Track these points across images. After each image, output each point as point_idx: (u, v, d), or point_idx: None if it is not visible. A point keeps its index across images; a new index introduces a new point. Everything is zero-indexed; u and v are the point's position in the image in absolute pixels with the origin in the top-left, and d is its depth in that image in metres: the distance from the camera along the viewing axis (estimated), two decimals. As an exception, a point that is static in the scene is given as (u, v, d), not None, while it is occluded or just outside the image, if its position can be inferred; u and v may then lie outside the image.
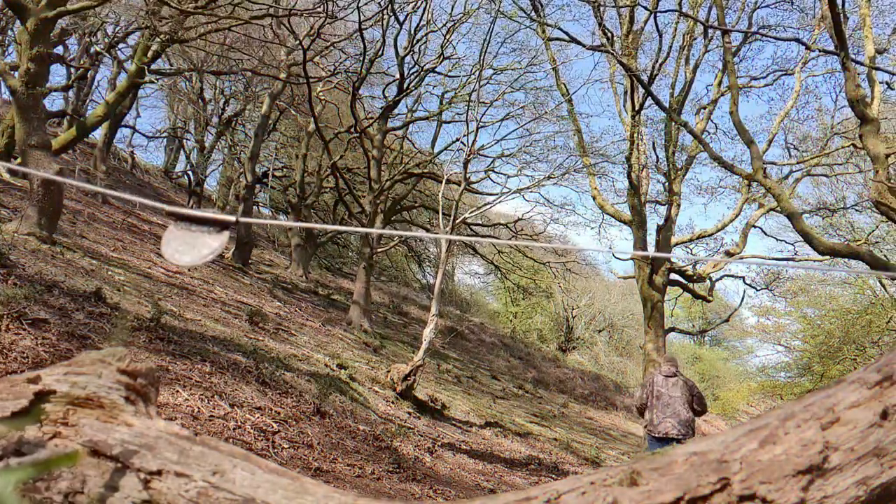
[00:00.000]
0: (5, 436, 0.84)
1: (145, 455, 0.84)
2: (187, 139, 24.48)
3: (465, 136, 12.05)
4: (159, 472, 0.82)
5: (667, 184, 14.68)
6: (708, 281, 16.07)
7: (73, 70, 17.52)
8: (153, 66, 11.95)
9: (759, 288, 18.59)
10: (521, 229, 19.14)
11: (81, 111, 18.10)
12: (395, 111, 15.85)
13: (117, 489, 0.82)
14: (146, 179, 23.03)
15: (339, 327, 12.39)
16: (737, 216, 15.81)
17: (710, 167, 18.36)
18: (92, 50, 17.26)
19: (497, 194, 14.62)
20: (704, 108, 15.74)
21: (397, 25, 13.68)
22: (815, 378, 17.70)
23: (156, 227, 13.73)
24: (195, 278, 10.04)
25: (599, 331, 32.74)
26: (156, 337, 5.42)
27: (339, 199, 17.00)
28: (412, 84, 14.63)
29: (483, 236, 17.03)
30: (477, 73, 12.40)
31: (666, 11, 12.73)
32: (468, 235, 16.87)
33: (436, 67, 15.20)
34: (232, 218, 0.93)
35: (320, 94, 16.77)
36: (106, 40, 15.77)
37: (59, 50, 16.60)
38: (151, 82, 12.31)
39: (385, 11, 13.12)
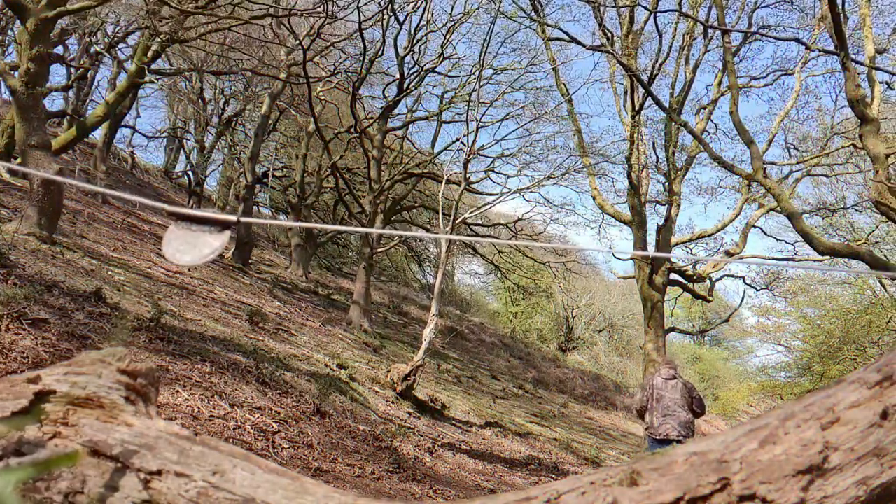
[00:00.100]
0: (5, 436, 0.84)
1: (145, 455, 0.84)
2: (187, 139, 24.49)
3: (465, 136, 12.06)
4: (159, 472, 0.82)
5: (667, 184, 14.68)
6: (708, 281, 16.08)
7: (73, 70, 17.52)
8: (153, 66, 11.95)
9: (759, 288, 18.60)
10: (521, 229, 19.14)
11: (81, 111, 18.10)
12: (395, 111, 15.85)
13: (117, 489, 0.82)
14: (146, 179, 23.03)
15: (339, 327, 12.39)
16: (737, 216, 15.81)
17: (710, 167, 18.37)
18: (92, 50, 17.26)
19: (497, 194, 14.63)
20: (704, 108, 15.74)
21: (397, 25, 13.69)
22: (815, 378, 17.70)
23: (156, 227, 13.73)
24: (195, 278, 10.04)
25: (599, 331, 32.74)
26: (156, 337, 5.42)
27: (339, 199, 17.00)
28: (412, 84, 14.63)
29: (483, 236, 17.03)
30: (477, 73, 12.41)
31: (666, 11, 12.74)
32: (468, 235, 16.87)
33: (436, 67, 15.20)
34: (233, 217, 0.93)
35: (320, 94, 16.77)
36: (106, 40, 15.77)
37: (59, 50, 16.61)
38: (151, 82, 12.31)
39: (385, 11, 13.12)
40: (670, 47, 13.80)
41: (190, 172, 22.04)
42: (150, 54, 10.76)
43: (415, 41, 14.18)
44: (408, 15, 13.94)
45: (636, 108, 13.34)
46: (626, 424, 17.76)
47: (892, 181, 7.60)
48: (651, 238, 14.40)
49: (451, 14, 14.89)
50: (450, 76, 16.61)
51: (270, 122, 17.60)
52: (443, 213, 10.17)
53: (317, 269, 21.89)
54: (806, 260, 16.25)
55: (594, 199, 15.24)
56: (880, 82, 10.34)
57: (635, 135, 13.47)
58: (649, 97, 12.09)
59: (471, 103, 11.51)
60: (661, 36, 13.37)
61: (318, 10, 11.06)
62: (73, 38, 16.68)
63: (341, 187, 15.78)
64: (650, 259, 13.33)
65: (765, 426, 0.69)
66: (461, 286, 32.65)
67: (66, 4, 8.10)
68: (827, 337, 18.09)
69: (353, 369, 8.36)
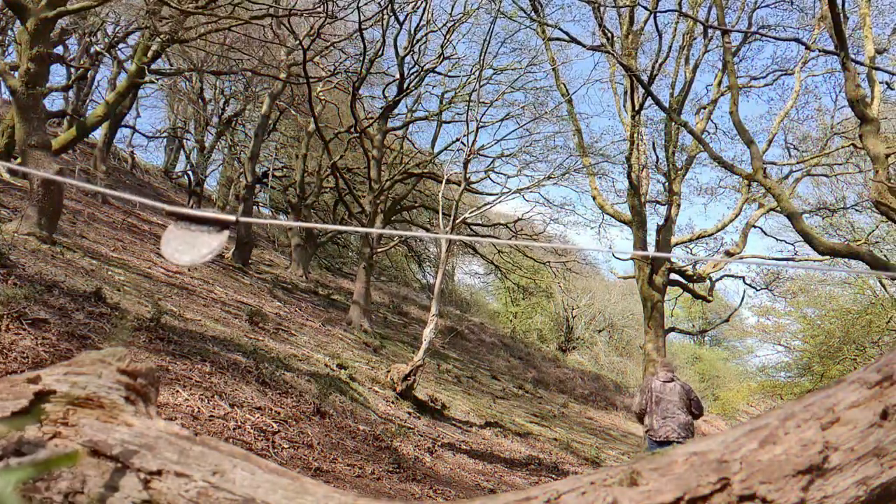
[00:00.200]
0: (5, 436, 0.84)
1: (145, 455, 0.84)
2: (187, 139, 24.49)
3: (465, 136, 12.06)
4: (159, 472, 0.82)
5: (667, 184, 14.69)
6: (708, 281, 16.08)
7: (73, 70, 17.52)
8: (153, 66, 11.95)
9: (759, 288, 18.61)
10: (521, 229, 19.14)
11: (81, 111, 18.10)
12: (395, 111, 15.85)
13: (117, 489, 0.82)
14: (146, 179, 23.03)
15: (339, 327, 12.39)
16: (737, 216, 15.82)
17: (710, 167, 18.37)
18: (92, 50, 17.26)
19: (497, 194, 14.63)
20: (704, 108, 15.75)
21: (397, 25, 13.69)
22: (815, 378, 17.70)
23: (156, 227, 13.73)
24: (195, 278, 10.04)
25: (599, 331, 32.74)
26: (156, 337, 5.42)
27: (339, 199, 17.00)
28: (412, 84, 14.63)
29: (483, 236, 17.03)
30: (477, 73, 12.41)
31: (666, 11, 12.75)
32: (468, 235, 16.87)
33: (436, 67, 15.20)
34: (232, 217, 0.93)
35: (320, 94, 16.77)
36: (106, 40, 15.77)
37: (59, 50, 16.60)
38: (151, 82, 12.31)
39: (385, 11, 13.12)
40: (670, 47, 13.81)
41: (190, 172, 22.04)
42: (150, 54, 10.76)
43: (415, 41, 14.18)
44: (408, 15, 13.95)
45: (636, 108, 13.34)
46: (626, 424, 17.76)
47: (892, 181, 7.60)
48: (651, 238, 14.42)
49: (451, 14, 14.90)
50: (450, 76, 16.62)
51: (270, 122, 17.60)
52: (443, 213, 10.17)
53: (317, 269, 21.89)
54: (806, 260, 16.26)
55: (594, 199, 15.24)
56: (880, 82, 10.35)
57: (635, 135, 13.47)
58: (649, 97, 12.10)
59: (471, 103, 11.51)
60: (660, 36, 13.38)
61: (318, 10, 11.06)
62: (73, 38, 16.69)
63: (341, 187, 15.78)
64: (650, 259, 13.34)
65: (765, 426, 0.69)
66: (461, 286, 32.66)
67: (66, 4, 8.10)
68: (827, 337, 18.08)
69: (353, 369, 8.36)
